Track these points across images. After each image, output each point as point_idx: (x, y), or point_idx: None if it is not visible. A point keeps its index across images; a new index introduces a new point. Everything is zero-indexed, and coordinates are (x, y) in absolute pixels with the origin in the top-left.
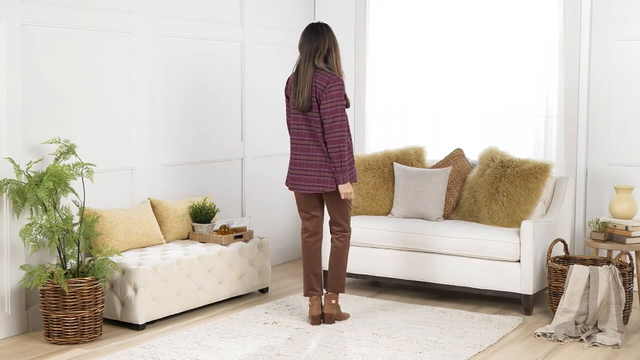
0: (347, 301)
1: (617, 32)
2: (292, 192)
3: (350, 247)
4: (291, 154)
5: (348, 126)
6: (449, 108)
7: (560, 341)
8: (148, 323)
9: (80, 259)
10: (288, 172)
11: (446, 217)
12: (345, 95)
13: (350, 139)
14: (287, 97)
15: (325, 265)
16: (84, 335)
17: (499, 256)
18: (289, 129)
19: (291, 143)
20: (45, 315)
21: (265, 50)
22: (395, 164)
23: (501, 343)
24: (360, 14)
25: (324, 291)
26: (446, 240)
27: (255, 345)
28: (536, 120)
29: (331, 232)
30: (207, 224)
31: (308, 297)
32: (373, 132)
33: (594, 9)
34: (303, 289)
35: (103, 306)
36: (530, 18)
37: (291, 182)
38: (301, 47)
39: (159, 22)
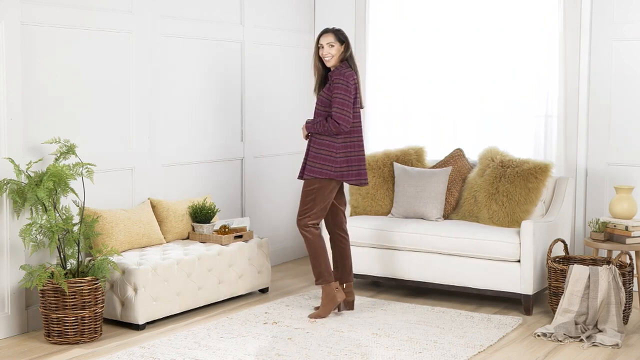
0: None
1: (617, 32)
2: (327, 189)
3: (351, 247)
4: (354, 150)
5: None
6: (449, 108)
7: (560, 341)
8: (148, 323)
9: (80, 259)
10: (351, 168)
11: (446, 217)
12: None
13: None
14: (355, 97)
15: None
16: (84, 335)
17: (499, 256)
18: (349, 128)
19: (352, 140)
20: (45, 315)
21: (265, 50)
22: (395, 164)
23: (501, 343)
24: (360, 14)
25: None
26: (446, 240)
27: (255, 345)
28: (536, 120)
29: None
30: (207, 224)
31: (333, 285)
32: (373, 132)
33: (594, 9)
34: (329, 276)
35: (103, 306)
36: (530, 18)
37: (363, 177)
38: (349, 49)
39: (159, 22)
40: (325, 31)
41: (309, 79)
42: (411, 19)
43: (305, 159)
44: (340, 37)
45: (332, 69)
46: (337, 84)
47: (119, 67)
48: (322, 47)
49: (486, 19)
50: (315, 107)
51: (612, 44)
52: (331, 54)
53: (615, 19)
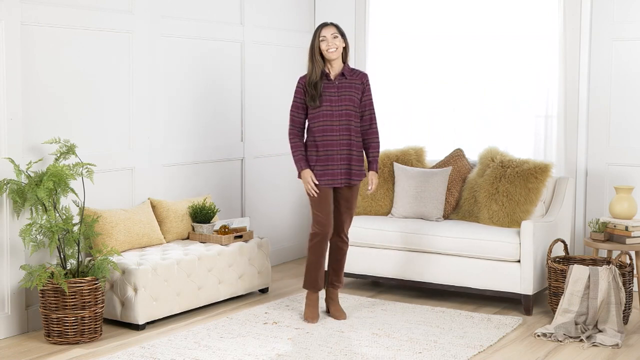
0: (347, 301)
1: (617, 32)
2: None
3: (350, 247)
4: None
5: (290, 120)
6: (449, 108)
7: (560, 341)
8: (148, 323)
9: (80, 259)
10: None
11: (446, 217)
12: (295, 92)
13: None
14: None
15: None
16: (84, 335)
17: (498, 256)
18: None
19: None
20: (45, 315)
21: (265, 50)
22: (395, 164)
23: (501, 343)
24: (360, 14)
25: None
26: (446, 240)
27: (255, 345)
28: (536, 120)
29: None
30: (207, 224)
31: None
32: None
33: (594, 9)
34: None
35: (103, 306)
36: (530, 18)
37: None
38: (347, 43)
39: (159, 22)
40: (326, 24)
41: None
42: (411, 18)
43: (348, 163)
44: (341, 30)
45: (333, 64)
46: (369, 86)
47: (119, 67)
48: (326, 40)
49: (486, 18)
50: (344, 107)
51: (612, 44)
52: (336, 45)
53: (615, 19)
